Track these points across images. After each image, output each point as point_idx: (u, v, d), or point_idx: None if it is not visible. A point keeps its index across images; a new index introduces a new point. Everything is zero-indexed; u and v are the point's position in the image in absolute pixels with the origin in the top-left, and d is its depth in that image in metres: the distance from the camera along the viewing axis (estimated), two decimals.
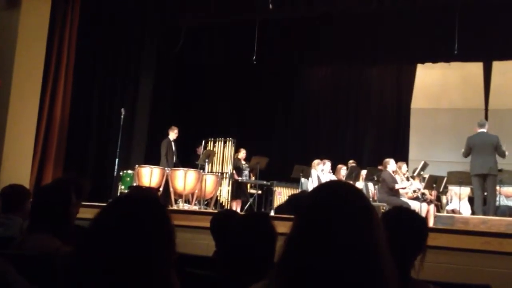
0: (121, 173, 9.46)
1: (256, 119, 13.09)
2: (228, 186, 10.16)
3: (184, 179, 8.85)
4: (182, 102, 12.67)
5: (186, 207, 8.93)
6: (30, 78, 8.45)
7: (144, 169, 9.04)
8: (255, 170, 10.61)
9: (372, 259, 1.18)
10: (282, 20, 10.58)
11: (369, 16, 10.39)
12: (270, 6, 8.78)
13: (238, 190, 10.24)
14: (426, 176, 9.13)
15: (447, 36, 9.76)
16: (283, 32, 11.55)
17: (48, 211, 2.70)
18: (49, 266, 2.29)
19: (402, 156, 11.03)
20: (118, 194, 9.05)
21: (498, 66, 11.54)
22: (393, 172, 8.88)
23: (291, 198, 9.52)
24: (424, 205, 8.49)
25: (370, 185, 9.57)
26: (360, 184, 9.46)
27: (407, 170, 9.45)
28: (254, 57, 10.34)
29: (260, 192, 10.51)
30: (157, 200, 1.36)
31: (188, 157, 10.91)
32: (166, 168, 9.30)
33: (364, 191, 8.92)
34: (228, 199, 10.09)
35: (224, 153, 10.53)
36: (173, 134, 10.11)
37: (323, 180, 9.34)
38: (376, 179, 9.12)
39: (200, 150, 10.75)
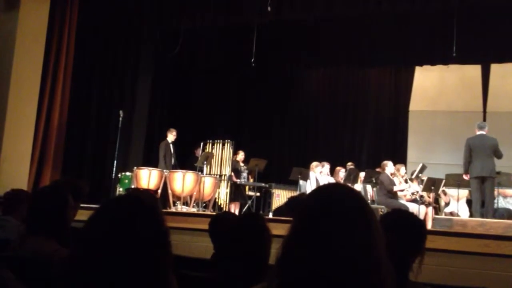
0: (119, 175, 9.45)
1: (255, 121, 13.11)
2: (227, 188, 10.16)
3: (182, 181, 8.84)
4: (181, 104, 12.67)
5: (185, 209, 8.92)
6: (29, 80, 8.44)
7: (143, 171, 9.03)
8: (253, 172, 10.61)
9: (370, 262, 1.18)
10: (280, 22, 10.58)
11: (367, 19, 10.40)
12: (269, 8, 8.78)
13: (236, 192, 10.24)
14: (424, 178, 9.14)
15: (445, 38, 9.78)
16: (281, 35, 11.56)
17: (45, 213, 2.69)
18: (46, 269, 2.28)
19: (400, 158, 11.05)
20: (115, 195, 9.03)
21: (496, 69, 11.57)
22: (392, 174, 8.88)
23: (290, 200, 9.51)
24: (422, 207, 8.49)
25: (369, 187, 9.57)
26: (358, 186, 9.46)
27: (406, 172, 9.46)
28: (252, 60, 10.34)
29: (258, 194, 10.51)
30: (150, 202, 1.35)
31: (186, 159, 10.90)
32: (164, 170, 9.30)
33: (363, 193, 8.92)
34: (226, 201, 10.08)
35: (222, 155, 10.53)
36: (171, 136, 10.11)
37: (322, 183, 9.33)
38: (374, 181, 9.12)
39: (199, 152, 10.75)
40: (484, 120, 11.04)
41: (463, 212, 8.95)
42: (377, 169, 9.48)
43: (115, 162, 9.47)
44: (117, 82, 10.92)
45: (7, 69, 8.14)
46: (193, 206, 9.02)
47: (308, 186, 9.66)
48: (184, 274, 2.55)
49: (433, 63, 11.18)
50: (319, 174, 9.82)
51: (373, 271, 1.18)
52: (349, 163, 10.60)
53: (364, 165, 10.93)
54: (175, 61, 11.72)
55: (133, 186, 8.94)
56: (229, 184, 10.16)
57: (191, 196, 9.00)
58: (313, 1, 9.15)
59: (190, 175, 8.98)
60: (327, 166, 10.05)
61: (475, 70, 11.81)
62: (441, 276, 4.86)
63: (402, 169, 9.24)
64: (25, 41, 8.32)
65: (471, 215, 8.39)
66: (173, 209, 8.75)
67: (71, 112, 9.73)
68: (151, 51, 11.45)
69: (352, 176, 9.55)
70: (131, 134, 10.80)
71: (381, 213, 8.16)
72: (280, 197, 10.42)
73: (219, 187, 9.87)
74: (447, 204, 9.72)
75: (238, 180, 10.29)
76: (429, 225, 7.98)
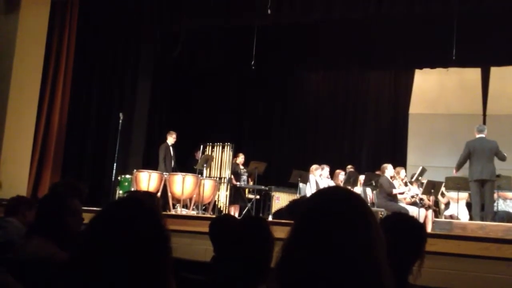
0: (119, 177, 9.45)
1: (255, 124, 13.11)
2: (226, 191, 10.15)
3: (182, 184, 8.84)
4: (180, 106, 12.68)
5: (184, 212, 8.91)
6: (29, 82, 8.45)
7: (142, 173, 9.03)
8: (253, 175, 10.61)
9: (369, 264, 1.18)
10: (280, 25, 10.60)
11: (367, 22, 10.41)
12: (269, 11, 8.79)
13: (236, 195, 10.23)
14: (424, 181, 9.14)
15: (445, 41, 9.78)
16: (281, 37, 11.58)
17: (45, 216, 2.70)
18: (45, 271, 2.29)
19: (400, 161, 11.04)
20: (116, 198, 9.03)
21: (496, 72, 11.57)
22: (391, 177, 8.88)
23: (291, 203, 9.51)
24: (422, 210, 8.49)
25: (368, 190, 9.57)
26: (358, 189, 9.45)
27: (405, 175, 9.46)
28: (252, 62, 10.35)
29: (258, 197, 10.50)
30: (150, 205, 1.35)
31: (186, 162, 10.90)
32: (164, 173, 9.29)
33: (362, 196, 8.91)
34: (226, 204, 10.08)
35: (222, 158, 10.52)
36: (171, 139, 10.11)
37: (321, 185, 9.33)
38: (374, 184, 9.12)
39: (199, 154, 10.74)
40: (484, 123, 11.04)
41: (463, 215, 8.94)
42: (377, 172, 9.48)
43: (115, 164, 9.47)
44: (117, 83, 10.94)
45: (8, 71, 8.14)
46: (193, 209, 9.02)
47: (308, 189, 9.66)
48: (184, 277, 2.56)
49: (432, 66, 11.19)
50: (319, 177, 9.81)
51: (373, 273, 1.18)
52: (349, 166, 10.60)
53: (364, 168, 10.93)
54: (175, 62, 11.73)
55: (132, 189, 8.93)
56: (229, 186, 10.16)
57: (190, 199, 9.00)
58: (313, 4, 9.17)
59: (189, 178, 8.98)
60: (326, 169, 10.04)
61: (474, 73, 11.81)
62: (441, 279, 4.86)
63: (402, 172, 9.24)
64: (26, 43, 8.33)
65: (471, 218, 8.39)
66: (172, 212, 8.75)
67: (71, 114, 9.74)
68: (151, 52, 11.46)
69: (351, 179, 9.55)
70: (131, 137, 10.80)
71: (381, 216, 8.16)
72: (280, 200, 10.41)
73: (218, 190, 9.86)
74: (446, 206, 9.71)
75: (238, 183, 10.29)
76: (429, 228, 7.98)
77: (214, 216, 7.40)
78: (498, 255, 5.15)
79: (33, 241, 2.66)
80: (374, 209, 8.53)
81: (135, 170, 9.23)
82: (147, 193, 7.86)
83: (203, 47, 12.31)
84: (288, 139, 13.20)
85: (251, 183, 10.61)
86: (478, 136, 8.21)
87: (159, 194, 8.85)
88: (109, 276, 1.21)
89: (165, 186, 9.00)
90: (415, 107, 12.50)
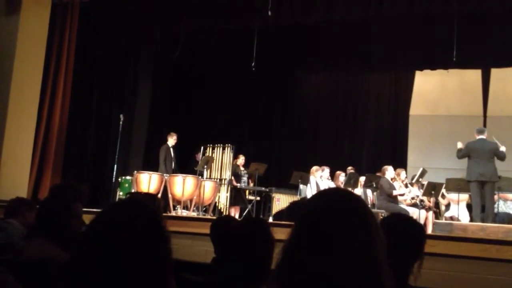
0: (119, 179, 9.45)
1: (255, 125, 13.11)
2: (227, 192, 10.15)
3: (182, 185, 8.84)
4: (181, 108, 12.68)
5: (185, 213, 8.92)
6: (29, 84, 8.45)
7: (143, 175, 9.03)
8: (253, 176, 10.60)
9: (369, 265, 1.18)
10: (280, 26, 10.61)
11: (367, 23, 10.42)
12: (269, 12, 8.80)
13: (236, 197, 10.23)
14: (425, 183, 9.13)
15: (445, 43, 9.79)
16: (281, 38, 11.58)
17: (47, 218, 2.70)
18: (46, 273, 2.29)
19: (400, 162, 11.04)
20: (117, 200, 9.03)
21: (496, 73, 11.57)
22: (392, 179, 8.88)
23: (292, 205, 9.52)
24: (423, 211, 8.49)
25: (369, 191, 9.56)
26: (358, 191, 9.45)
27: (406, 177, 9.45)
28: (253, 64, 10.35)
29: (258, 198, 10.50)
30: (150, 206, 1.36)
31: (186, 163, 10.90)
32: (164, 174, 9.30)
33: (363, 197, 8.88)
34: (226, 205, 10.07)
35: (222, 159, 10.52)
36: (172, 140, 10.11)
37: (322, 187, 9.33)
38: (374, 185, 9.12)
39: (199, 156, 10.74)
40: (485, 124, 11.05)
41: (464, 217, 8.94)
42: (378, 174, 9.48)
43: (115, 166, 9.47)
44: (117, 85, 10.95)
45: (8, 72, 8.15)
46: (193, 210, 9.01)
47: (309, 191, 9.66)
48: (184, 278, 2.56)
49: (433, 67, 11.19)
50: (319, 179, 9.81)
51: (373, 274, 1.18)
52: (349, 168, 10.60)
53: (365, 170, 10.92)
54: (175, 63, 11.74)
55: (133, 190, 8.93)
56: (229, 188, 10.15)
57: (191, 200, 9.00)
58: (313, 5, 9.18)
59: (190, 179, 8.98)
60: (327, 171, 10.04)
61: (475, 75, 11.81)
62: (441, 280, 4.86)
63: (403, 173, 9.24)
64: (26, 44, 8.34)
65: (471, 220, 8.39)
66: (173, 213, 8.74)
67: (71, 115, 9.74)
68: (151, 53, 11.47)
69: (352, 181, 9.55)
70: (131, 138, 10.81)
71: (381, 217, 8.16)
72: (280, 201, 10.41)
73: (219, 191, 9.86)
74: (447, 207, 9.71)
75: (238, 184, 10.29)
76: (429, 230, 7.97)
77: (214, 217, 7.40)
78: (498, 257, 5.15)
79: (34, 242, 2.66)
80: (375, 210, 8.53)
81: (135, 172, 9.23)
82: (147, 195, 7.88)
83: (203, 48, 12.32)
84: (288, 140, 13.19)
85: (251, 184, 10.61)
86: (478, 137, 8.21)
87: (159, 195, 8.85)
88: (109, 276, 1.21)
89: (165, 188, 9.00)
90: (415, 108, 12.50)
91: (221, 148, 10.59)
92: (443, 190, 9.18)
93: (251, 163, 10.70)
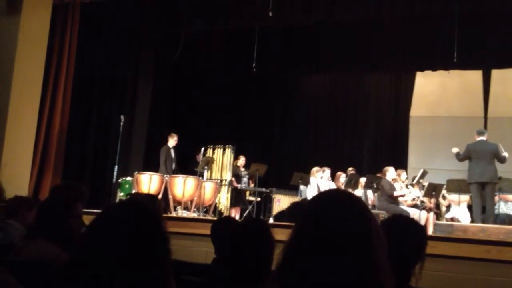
0: (120, 180, 9.45)
1: (255, 126, 13.11)
2: (227, 193, 10.15)
3: (183, 186, 8.84)
4: (181, 108, 12.68)
5: (185, 214, 8.91)
6: (30, 85, 8.45)
7: (143, 176, 9.03)
8: (254, 177, 10.60)
9: (370, 267, 1.18)
10: (281, 27, 10.62)
11: (368, 23, 10.42)
12: (270, 13, 8.79)
13: (237, 197, 10.23)
14: (425, 184, 9.13)
15: (446, 43, 9.78)
16: (282, 40, 11.58)
17: (47, 219, 2.70)
18: (47, 273, 2.29)
19: (401, 164, 11.03)
20: (117, 201, 9.03)
21: (497, 74, 11.57)
22: (393, 180, 8.87)
23: (292, 206, 9.51)
24: (424, 213, 8.48)
25: (369, 192, 9.56)
26: (359, 192, 9.45)
27: (407, 178, 9.45)
28: (253, 64, 10.36)
29: (259, 199, 10.50)
30: (151, 207, 1.36)
31: (187, 164, 10.90)
32: (165, 175, 9.29)
33: (363, 198, 8.90)
34: (227, 206, 10.07)
35: (223, 160, 10.52)
36: (172, 141, 10.11)
37: (322, 188, 9.33)
38: (375, 186, 9.11)
39: (200, 157, 10.74)
40: (485, 125, 11.05)
41: (464, 218, 8.94)
42: (378, 175, 9.48)
43: (115, 166, 9.46)
44: (117, 86, 10.95)
45: (9, 73, 8.15)
46: (194, 211, 9.01)
47: (309, 191, 9.66)
48: (185, 279, 2.55)
49: (434, 68, 11.18)
50: (320, 179, 9.81)
51: (374, 275, 1.18)
52: (350, 168, 10.60)
53: (365, 170, 10.93)
54: (175, 64, 11.74)
55: (133, 191, 8.93)
56: (229, 189, 10.16)
57: (191, 201, 8.99)
58: (313, 6, 9.18)
59: (190, 180, 8.98)
60: (327, 171, 10.04)
61: (476, 76, 11.81)
62: (442, 282, 4.85)
63: (403, 174, 9.23)
64: (27, 46, 8.34)
65: (472, 221, 8.39)
66: (173, 214, 8.74)
67: (72, 116, 9.74)
68: (152, 54, 11.47)
69: (352, 182, 9.55)
70: (131, 139, 10.80)
71: (382, 218, 8.15)
72: (281, 202, 10.40)
73: (219, 192, 9.86)
74: (447, 208, 9.71)
75: (239, 185, 10.29)
76: (430, 231, 7.97)
77: (215, 218, 7.40)
78: (499, 258, 5.15)
79: (34, 243, 2.66)
80: (375, 211, 8.53)
81: (136, 172, 9.23)
82: (148, 196, 7.88)
83: (204, 48, 12.32)
84: (289, 141, 13.19)
85: (252, 185, 10.61)
86: (478, 139, 8.21)
87: (160, 196, 8.86)
88: (109, 277, 1.21)
89: (166, 188, 9.00)
90: (416, 110, 12.49)
91: (221, 149, 10.59)
92: (444, 191, 9.18)
93: (251, 164, 10.70)
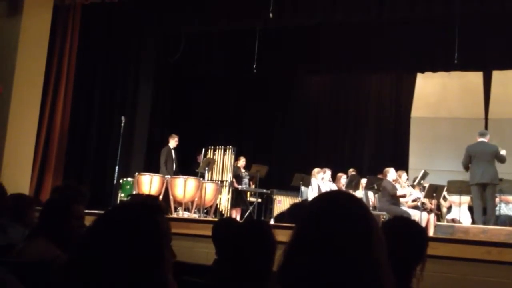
0: (121, 180, 9.45)
1: (256, 127, 13.11)
2: (228, 194, 10.15)
3: (184, 187, 8.84)
4: (182, 109, 12.69)
5: (186, 215, 8.91)
6: (31, 86, 8.46)
7: (144, 177, 9.03)
8: (255, 178, 10.60)
9: (370, 268, 1.18)
10: (282, 28, 10.61)
11: (368, 25, 10.42)
12: (271, 15, 8.80)
13: (237, 198, 10.23)
14: (426, 185, 9.12)
15: (447, 45, 9.78)
16: (283, 40, 11.58)
17: (49, 220, 2.71)
18: (48, 274, 2.29)
19: (402, 165, 11.02)
20: (118, 201, 9.04)
21: (498, 76, 11.56)
22: (394, 180, 8.87)
23: (293, 207, 9.51)
24: (424, 214, 8.48)
25: (370, 193, 9.56)
26: (360, 193, 9.45)
27: (407, 179, 9.44)
28: (254, 66, 10.36)
29: (260, 200, 10.49)
30: (154, 208, 1.36)
31: (188, 165, 10.89)
32: (166, 176, 9.30)
33: (364, 199, 8.91)
34: (228, 207, 10.07)
35: (224, 161, 10.52)
36: (173, 142, 10.11)
37: (323, 189, 9.33)
38: (376, 187, 9.11)
39: (200, 158, 10.74)
40: (486, 127, 11.04)
41: (465, 219, 8.93)
42: (379, 176, 9.47)
43: (116, 167, 9.47)
44: (118, 87, 10.96)
45: (10, 74, 8.16)
46: (195, 212, 9.01)
47: (310, 192, 9.65)
48: (185, 280, 2.55)
49: (434, 69, 11.17)
50: (321, 180, 9.81)
51: (374, 277, 1.18)
52: (351, 170, 10.60)
53: (366, 172, 10.92)
54: (176, 65, 11.75)
55: (134, 192, 8.94)
56: (230, 190, 10.16)
57: (192, 202, 8.99)
58: (314, 7, 9.18)
59: (191, 181, 8.98)
60: (328, 172, 10.04)
61: (477, 77, 11.80)
62: (443, 283, 4.85)
63: (404, 175, 9.23)
64: (28, 47, 8.35)
65: (473, 222, 8.38)
66: (174, 215, 8.74)
67: (73, 117, 9.75)
68: (152, 55, 11.48)
69: (353, 183, 9.55)
70: (132, 140, 10.81)
71: (383, 219, 8.15)
72: (282, 203, 10.40)
73: (220, 193, 9.86)
74: (448, 210, 9.70)
75: (240, 186, 10.29)
76: (431, 232, 7.96)
77: (215, 219, 7.40)
78: (500, 259, 5.15)
79: (35, 243, 2.66)
80: (376, 212, 8.53)
81: (137, 173, 9.24)
82: (149, 197, 7.88)
83: (205, 49, 12.33)
84: (290, 142, 13.19)
85: (252, 186, 10.61)
86: (479, 140, 8.21)
87: (161, 197, 8.86)
88: (109, 278, 1.21)
89: (166, 189, 9.01)
90: (417, 111, 12.49)
91: (222, 150, 10.59)
92: (445, 193, 9.16)
93: (252, 165, 10.70)
